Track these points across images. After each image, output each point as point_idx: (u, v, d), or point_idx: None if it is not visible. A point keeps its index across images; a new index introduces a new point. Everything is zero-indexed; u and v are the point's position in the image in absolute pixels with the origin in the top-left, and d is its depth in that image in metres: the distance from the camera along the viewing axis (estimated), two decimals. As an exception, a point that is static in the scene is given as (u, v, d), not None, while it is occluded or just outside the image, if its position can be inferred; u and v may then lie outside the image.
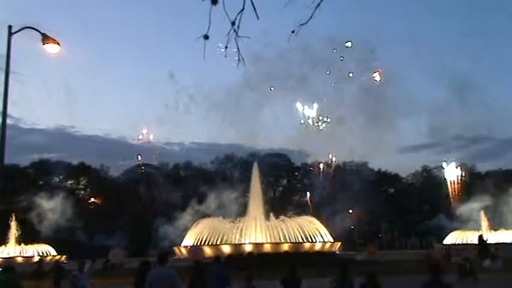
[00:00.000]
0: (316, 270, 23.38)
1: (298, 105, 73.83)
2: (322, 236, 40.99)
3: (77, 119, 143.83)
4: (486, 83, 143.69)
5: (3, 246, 58.16)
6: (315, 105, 72.99)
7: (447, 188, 78.95)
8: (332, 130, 71.92)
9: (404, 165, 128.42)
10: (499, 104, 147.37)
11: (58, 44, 12.59)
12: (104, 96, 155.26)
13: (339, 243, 42.45)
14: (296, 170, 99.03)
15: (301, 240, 39.53)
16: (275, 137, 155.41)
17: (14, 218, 59.42)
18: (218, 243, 39.35)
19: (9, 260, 48.70)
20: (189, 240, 41.98)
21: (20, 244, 58.59)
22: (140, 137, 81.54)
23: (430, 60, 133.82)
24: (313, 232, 40.87)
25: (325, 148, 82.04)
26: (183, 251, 39.81)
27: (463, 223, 58.53)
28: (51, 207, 62.16)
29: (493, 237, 50.55)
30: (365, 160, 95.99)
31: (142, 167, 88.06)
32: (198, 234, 41.13)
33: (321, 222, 44.40)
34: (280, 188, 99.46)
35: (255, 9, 4.99)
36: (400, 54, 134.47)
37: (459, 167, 78.99)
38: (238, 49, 5.26)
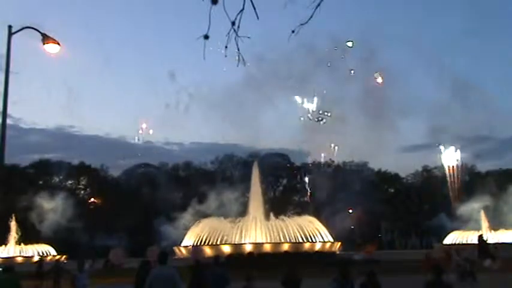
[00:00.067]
0: (316, 270, 23.38)
1: (297, 98, 72.87)
2: (322, 236, 41.04)
3: (77, 119, 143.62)
4: (486, 83, 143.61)
5: (3, 246, 58.24)
6: (315, 99, 72.42)
7: (447, 188, 78.90)
8: (332, 126, 71.63)
9: (404, 165, 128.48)
10: (499, 104, 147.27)
11: (58, 44, 12.59)
12: (104, 96, 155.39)
13: (339, 243, 42.47)
14: (296, 170, 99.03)
15: (301, 240, 39.58)
16: (275, 136, 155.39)
17: (14, 218, 59.47)
18: (218, 243, 39.41)
19: (9, 260, 48.77)
20: (189, 240, 42.03)
21: (20, 244, 58.66)
22: (140, 131, 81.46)
23: (430, 60, 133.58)
24: (313, 232, 40.93)
25: (325, 148, 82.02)
26: (183, 250, 39.84)
27: (463, 223, 58.50)
28: (51, 207, 62.18)
29: (493, 237, 50.56)
30: (365, 160, 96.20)
31: (143, 167, 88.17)
32: (198, 234, 41.20)
33: (321, 222, 44.45)
34: (280, 188, 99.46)
35: (255, 9, 4.99)
36: (400, 54, 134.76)
37: (458, 150, 78.13)
38: (238, 49, 5.26)
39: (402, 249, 79.01)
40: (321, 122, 70.15)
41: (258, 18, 5.06)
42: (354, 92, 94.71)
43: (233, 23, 5.03)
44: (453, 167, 77.38)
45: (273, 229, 40.09)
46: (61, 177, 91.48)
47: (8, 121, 15.37)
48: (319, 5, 5.30)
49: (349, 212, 74.08)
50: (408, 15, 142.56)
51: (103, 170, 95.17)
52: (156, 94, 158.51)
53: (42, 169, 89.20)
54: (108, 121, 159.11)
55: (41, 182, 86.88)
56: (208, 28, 5.12)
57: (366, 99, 76.59)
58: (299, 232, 40.08)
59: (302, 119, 73.22)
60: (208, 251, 36.88)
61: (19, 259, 52.68)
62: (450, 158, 77.83)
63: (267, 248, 36.61)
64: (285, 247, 35.90)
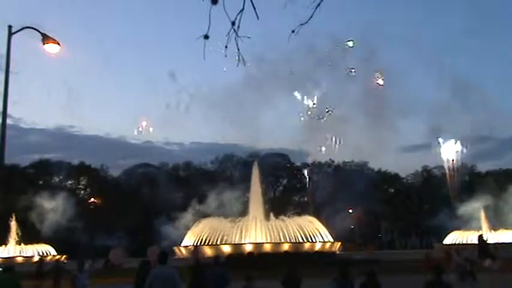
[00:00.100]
0: (316, 270, 23.38)
1: (297, 94, 72.50)
2: (322, 236, 41.03)
3: (77, 119, 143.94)
4: (486, 83, 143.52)
5: (3, 246, 58.21)
6: (315, 97, 72.11)
7: (447, 188, 78.89)
8: (332, 124, 71.48)
9: (404, 165, 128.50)
10: (499, 104, 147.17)
11: (58, 44, 12.59)
12: (104, 96, 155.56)
13: (339, 243, 42.47)
14: (296, 170, 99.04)
15: (301, 240, 39.57)
16: (275, 136, 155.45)
17: (14, 218, 59.45)
18: (218, 243, 39.40)
19: (9, 260, 48.76)
20: (189, 240, 42.03)
21: (20, 244, 58.64)
22: (140, 129, 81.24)
23: (430, 60, 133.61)
24: (313, 232, 40.93)
25: (325, 147, 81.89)
26: (184, 250, 39.83)
27: (463, 223, 58.45)
28: (51, 207, 62.16)
29: (493, 237, 50.54)
30: (365, 160, 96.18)
31: (143, 167, 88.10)
32: (199, 234, 41.19)
33: (321, 222, 44.45)
34: (280, 188, 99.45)
35: (255, 9, 4.99)
36: (400, 54, 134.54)
37: (458, 142, 77.53)
38: (238, 49, 5.26)
39: (402, 249, 79.05)
40: (322, 120, 69.96)
41: (258, 18, 5.06)
42: (354, 92, 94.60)
43: (233, 23, 5.03)
44: (453, 167, 77.34)
45: (273, 229, 40.09)
46: (61, 177, 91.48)
47: (8, 121, 15.38)
48: (319, 5, 5.30)
49: (349, 212, 74.14)
50: (408, 15, 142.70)
51: (103, 170, 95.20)
52: (156, 94, 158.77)
53: (42, 169, 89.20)
54: (108, 121, 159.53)
55: (41, 182, 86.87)
56: (208, 28, 5.13)
57: (366, 99, 76.50)
58: (299, 232, 40.09)
59: (302, 119, 73.12)
60: (208, 251, 36.87)
61: (19, 259, 52.65)
62: (450, 158, 77.80)
63: (267, 248, 36.60)
64: (285, 247, 35.88)
